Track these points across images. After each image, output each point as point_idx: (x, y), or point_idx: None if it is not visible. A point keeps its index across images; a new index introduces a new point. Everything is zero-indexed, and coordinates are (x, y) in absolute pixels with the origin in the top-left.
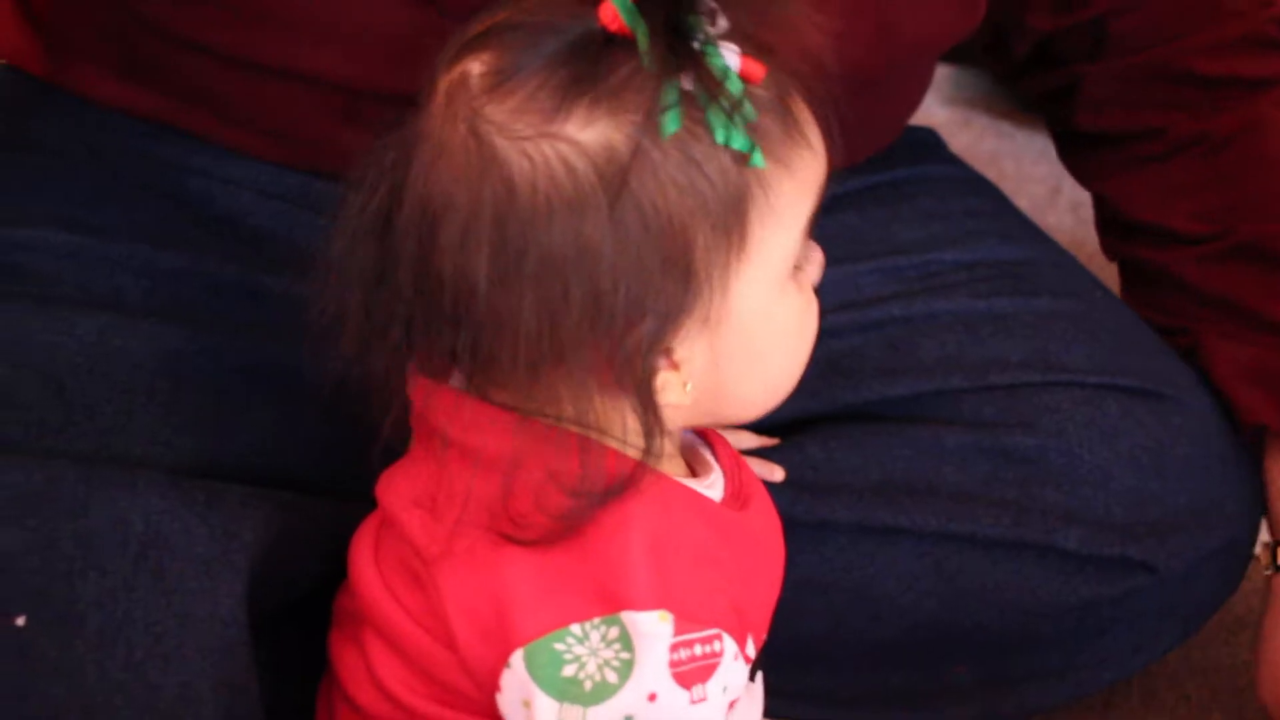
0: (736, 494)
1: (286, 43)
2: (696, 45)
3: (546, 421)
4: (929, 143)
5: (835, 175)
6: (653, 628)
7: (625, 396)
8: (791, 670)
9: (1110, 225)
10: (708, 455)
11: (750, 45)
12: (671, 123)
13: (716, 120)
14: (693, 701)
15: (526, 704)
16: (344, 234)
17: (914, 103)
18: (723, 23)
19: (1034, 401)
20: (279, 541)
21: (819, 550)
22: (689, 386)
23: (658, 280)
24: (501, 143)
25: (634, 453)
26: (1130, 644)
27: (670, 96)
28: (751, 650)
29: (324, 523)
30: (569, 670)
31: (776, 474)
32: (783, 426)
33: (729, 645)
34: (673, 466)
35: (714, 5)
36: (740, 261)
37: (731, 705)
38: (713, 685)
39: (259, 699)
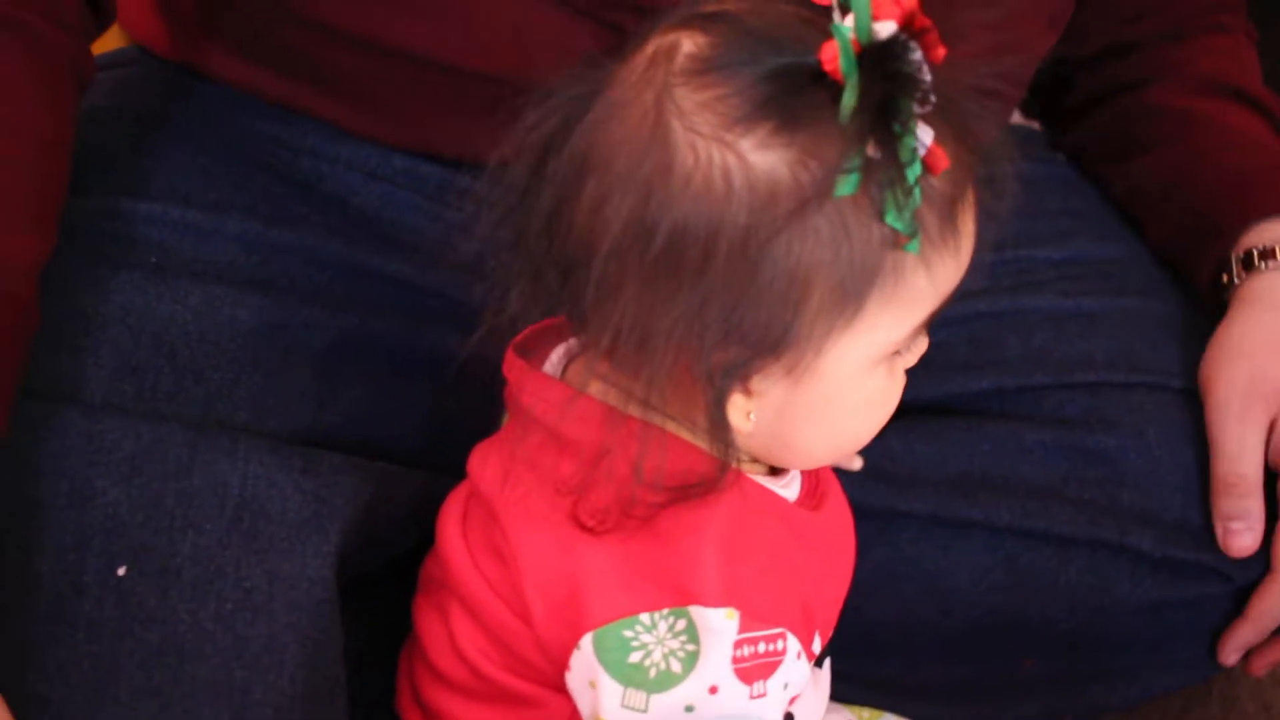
0: (812, 493)
1: (404, 23)
2: (898, 128)
3: (635, 414)
4: (1025, 138)
5: None
6: (720, 624)
7: (696, 406)
8: (862, 658)
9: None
10: None
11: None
12: (846, 186)
13: (890, 199)
14: (752, 696)
15: (592, 685)
16: (501, 156)
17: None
18: (930, 101)
19: (1117, 401)
20: (369, 508)
21: (892, 540)
22: (752, 417)
23: (763, 319)
24: (678, 128)
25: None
26: (1201, 650)
27: (855, 161)
28: (817, 646)
29: (415, 492)
30: (635, 657)
31: (856, 463)
32: None
33: (792, 644)
34: (752, 466)
35: (929, 87)
36: (846, 331)
37: (793, 700)
38: (774, 682)
39: (343, 656)
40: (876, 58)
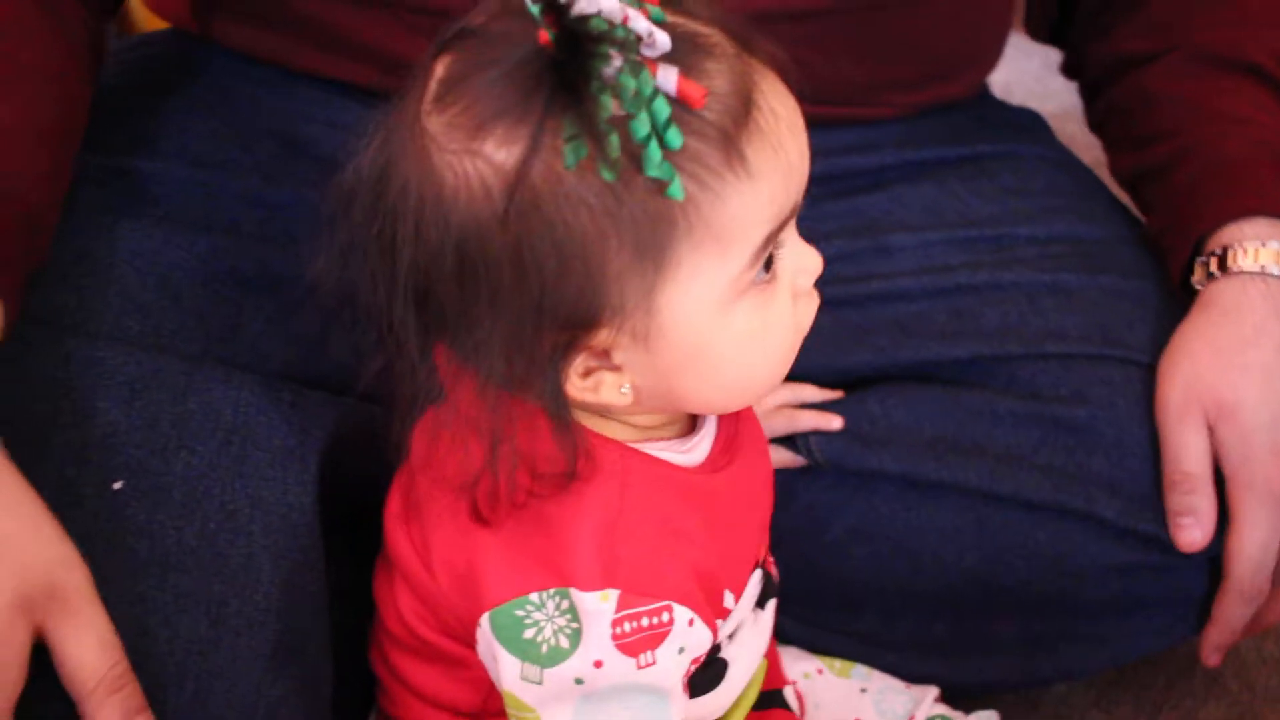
0: (726, 448)
1: None
2: (595, 85)
3: (521, 399)
4: (1025, 124)
5: (919, 139)
6: (595, 605)
7: (531, 397)
8: (840, 612)
9: (1090, 102)
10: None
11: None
12: (569, 158)
13: (609, 152)
14: (640, 667)
15: (495, 659)
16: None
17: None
18: (662, 41)
19: (1088, 373)
20: (351, 442)
21: (868, 500)
22: (626, 389)
23: (568, 299)
24: (435, 153)
25: (615, 431)
26: (1171, 616)
27: (570, 130)
28: (730, 602)
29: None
30: (529, 634)
31: (834, 423)
32: (846, 381)
33: (680, 614)
34: (660, 430)
35: (647, 29)
36: (667, 285)
37: (694, 662)
38: (664, 650)
39: (323, 578)
40: (566, 29)
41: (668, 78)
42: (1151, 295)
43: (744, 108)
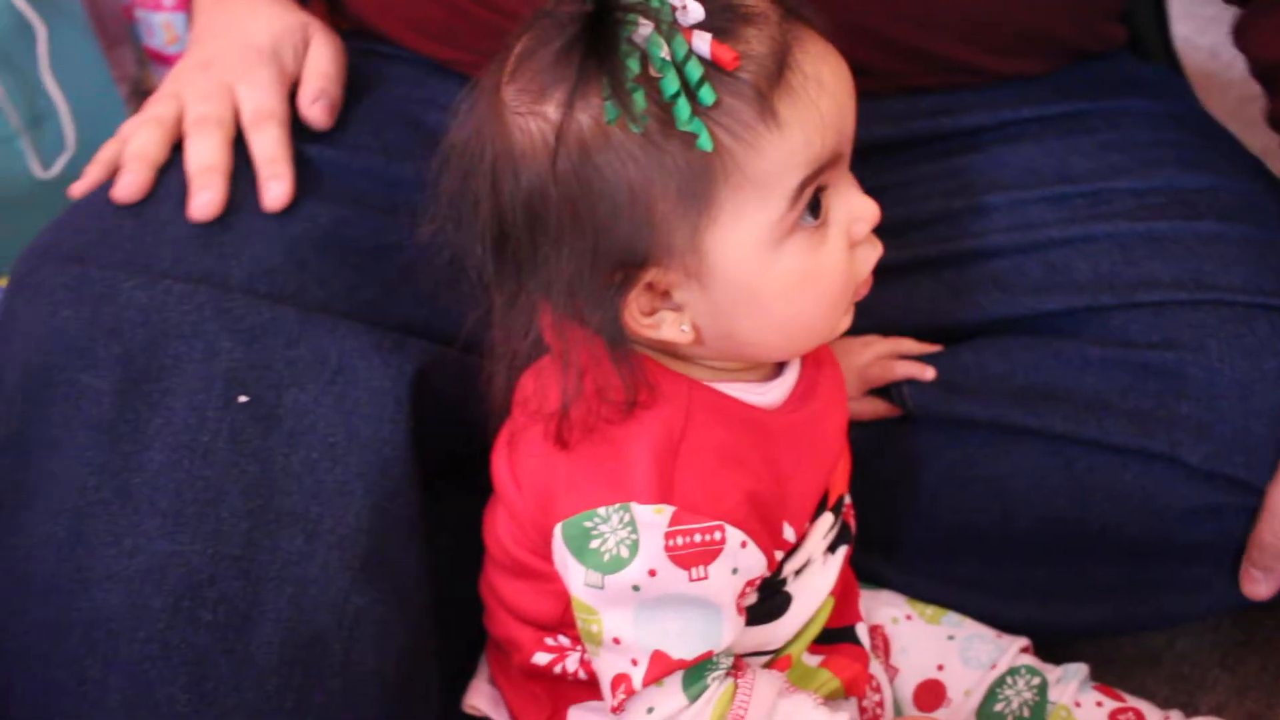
0: (803, 395)
1: None
2: (625, 49)
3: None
4: (1143, 80)
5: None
6: (649, 518)
7: (596, 330)
8: (939, 559)
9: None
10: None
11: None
12: (610, 114)
13: (633, 109)
14: (691, 579)
15: (565, 567)
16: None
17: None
18: (694, 8)
19: (1179, 318)
20: (448, 388)
21: (960, 446)
22: (685, 327)
23: (621, 240)
24: (508, 116)
25: (692, 371)
26: None
27: (606, 90)
28: (790, 535)
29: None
30: (594, 544)
31: (928, 372)
32: (946, 336)
33: (733, 535)
34: (734, 375)
35: (680, 1)
36: (713, 227)
37: (753, 586)
38: (715, 567)
39: (415, 506)
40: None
41: (702, 42)
42: (1254, 239)
43: (778, 69)
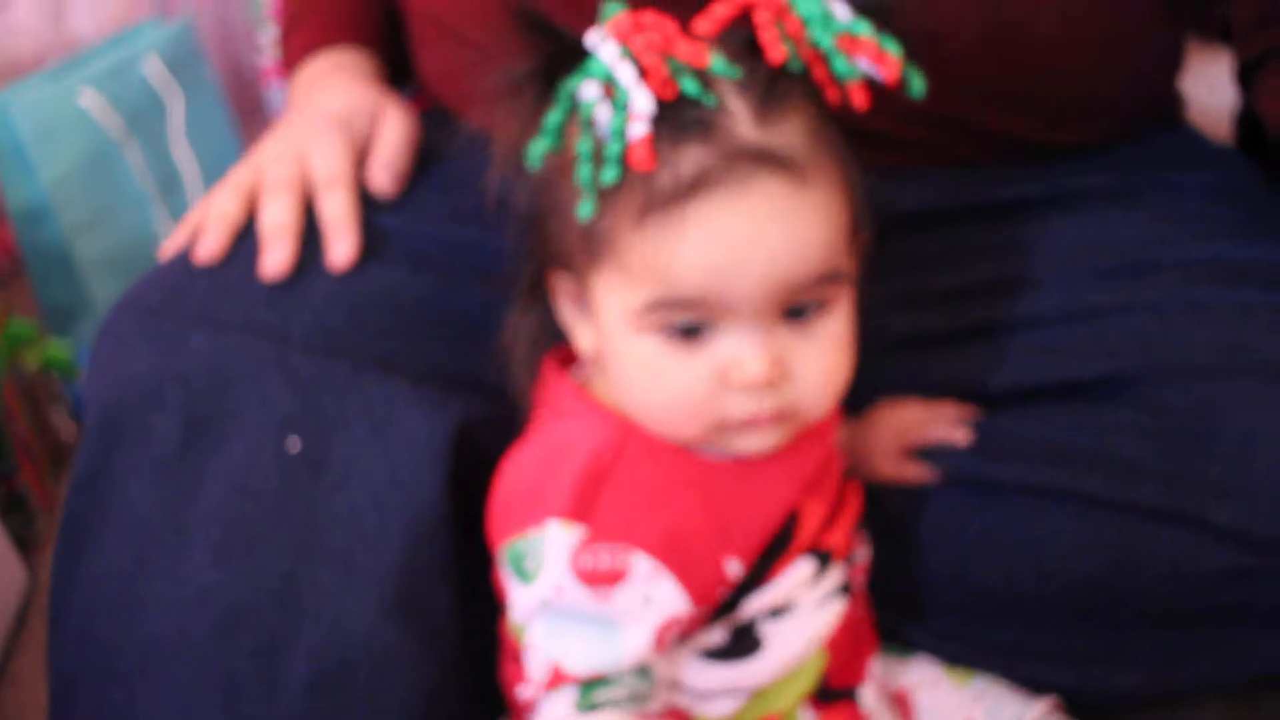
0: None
1: None
2: (582, 94)
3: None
4: (1201, 156)
5: (1072, 171)
6: (559, 536)
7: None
8: (972, 622)
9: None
10: None
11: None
12: (533, 152)
13: (535, 144)
14: (594, 599)
15: (506, 583)
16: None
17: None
18: (642, 105)
19: (1214, 384)
20: (490, 441)
21: (995, 510)
22: (588, 344)
23: (554, 238)
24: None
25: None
26: None
27: (540, 130)
28: (736, 570)
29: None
30: (528, 563)
31: (961, 436)
32: (989, 399)
33: (641, 563)
34: None
35: (632, 88)
36: (595, 273)
37: (683, 623)
38: (620, 593)
39: (448, 550)
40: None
41: (636, 131)
42: None
43: (682, 196)
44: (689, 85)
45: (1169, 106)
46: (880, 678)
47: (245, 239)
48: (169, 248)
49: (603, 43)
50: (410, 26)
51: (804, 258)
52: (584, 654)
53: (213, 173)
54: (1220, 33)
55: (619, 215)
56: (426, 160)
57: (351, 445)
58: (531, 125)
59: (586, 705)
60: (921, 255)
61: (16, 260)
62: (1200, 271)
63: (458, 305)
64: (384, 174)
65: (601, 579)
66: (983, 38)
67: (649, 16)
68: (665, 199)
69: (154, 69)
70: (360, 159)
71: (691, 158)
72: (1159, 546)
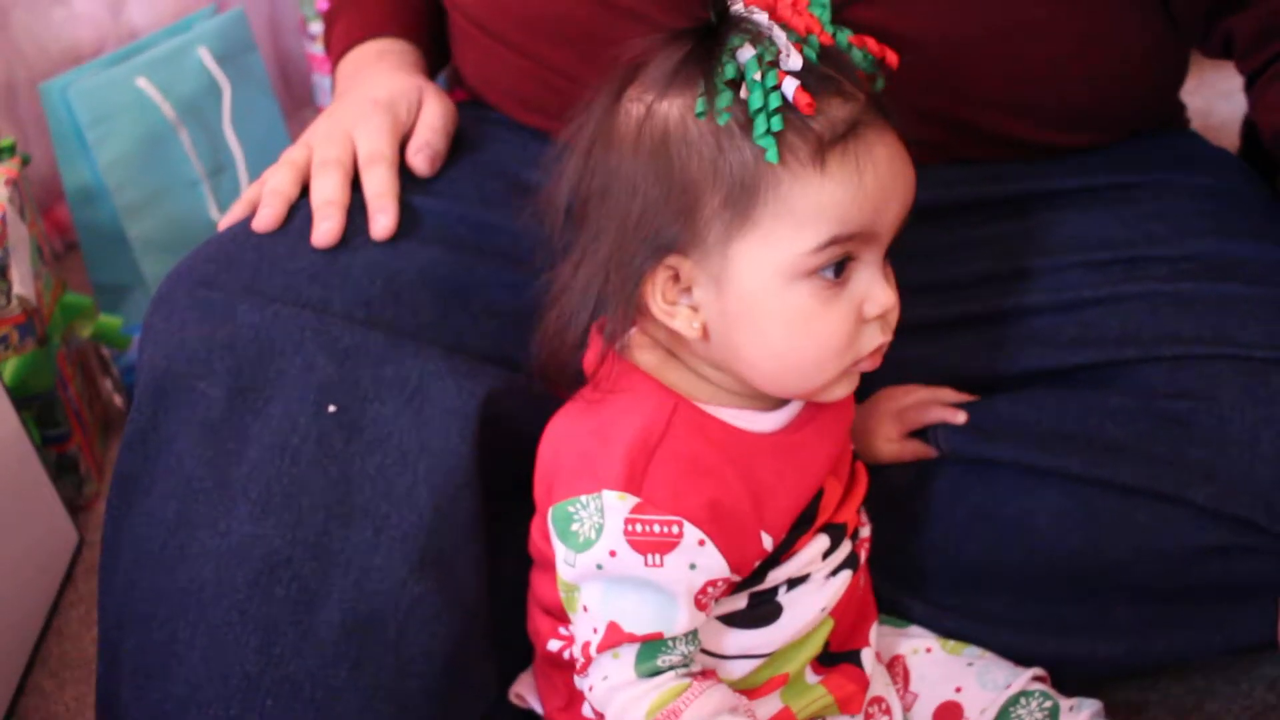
0: (798, 426)
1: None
2: (729, 66)
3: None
4: (1196, 156)
5: (1067, 170)
6: (614, 504)
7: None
8: (964, 594)
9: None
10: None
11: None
12: (700, 106)
13: (718, 104)
14: (647, 565)
15: (554, 546)
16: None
17: (1134, 55)
18: (795, 59)
19: (1196, 370)
20: (515, 411)
21: (987, 486)
22: (696, 324)
23: (668, 218)
24: (621, 103)
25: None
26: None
27: (701, 86)
28: (768, 544)
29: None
30: (574, 526)
31: (959, 417)
32: (984, 384)
33: (691, 532)
34: (723, 397)
35: (785, 45)
36: (744, 240)
37: (720, 586)
38: (671, 558)
39: (475, 512)
40: (720, 15)
41: (790, 84)
42: (1276, 297)
43: (843, 133)
44: (838, 42)
45: (1171, 113)
46: (879, 644)
47: (292, 216)
48: (226, 220)
49: (754, 11)
50: (451, 21)
51: (913, 191)
52: (641, 615)
53: (260, 157)
54: (1224, 48)
55: (789, 161)
56: (460, 146)
57: (385, 411)
58: (609, 114)
59: (648, 670)
60: (922, 247)
61: (71, 238)
62: (1186, 267)
63: (486, 284)
64: (421, 155)
65: (653, 546)
66: (993, 46)
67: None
68: (834, 140)
69: (206, 57)
70: (402, 141)
71: (837, 107)
72: (1140, 523)
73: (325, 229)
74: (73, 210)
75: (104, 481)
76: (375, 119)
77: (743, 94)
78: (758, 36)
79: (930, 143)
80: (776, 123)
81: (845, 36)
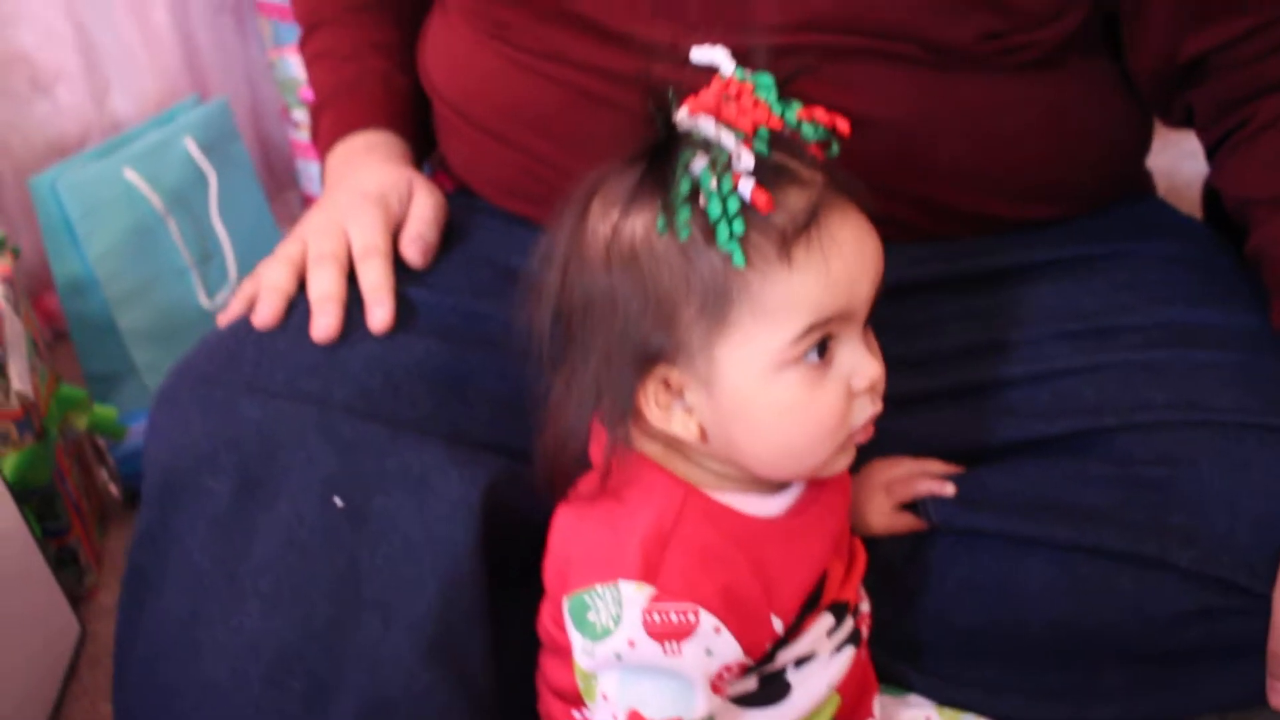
0: (802, 508)
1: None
2: (682, 177)
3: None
4: (1159, 224)
5: (1037, 243)
6: (631, 594)
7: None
8: (959, 662)
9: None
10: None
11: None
12: (660, 224)
13: (678, 220)
14: (665, 653)
15: (570, 634)
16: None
17: (1096, 124)
18: (747, 159)
19: (1173, 437)
20: (516, 499)
21: (976, 556)
22: (692, 426)
23: (649, 330)
24: (586, 220)
25: (694, 475)
26: (1262, 665)
27: (659, 203)
28: (779, 626)
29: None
30: (590, 616)
31: (947, 489)
32: (966, 455)
33: (706, 619)
34: (728, 484)
35: (735, 149)
36: (725, 342)
37: (734, 670)
38: (688, 646)
39: (482, 600)
40: (668, 132)
41: (746, 186)
42: (1247, 366)
43: (804, 223)
44: (787, 121)
45: (1137, 182)
46: (880, 714)
47: (290, 311)
48: (225, 317)
49: (699, 120)
50: (436, 112)
51: (882, 263)
52: (660, 702)
53: (247, 243)
54: (1185, 119)
55: (755, 261)
56: (449, 236)
57: (390, 502)
58: (578, 227)
59: None
60: (900, 323)
61: (60, 326)
62: (1157, 335)
63: (481, 373)
64: (414, 247)
65: (670, 634)
66: (959, 123)
67: (714, 89)
68: (797, 232)
69: (192, 147)
70: (394, 233)
71: (795, 197)
72: (1125, 589)
73: (324, 324)
74: (63, 301)
75: (104, 572)
76: (368, 212)
77: (702, 203)
78: (707, 144)
79: (901, 221)
80: (739, 226)
81: (794, 113)
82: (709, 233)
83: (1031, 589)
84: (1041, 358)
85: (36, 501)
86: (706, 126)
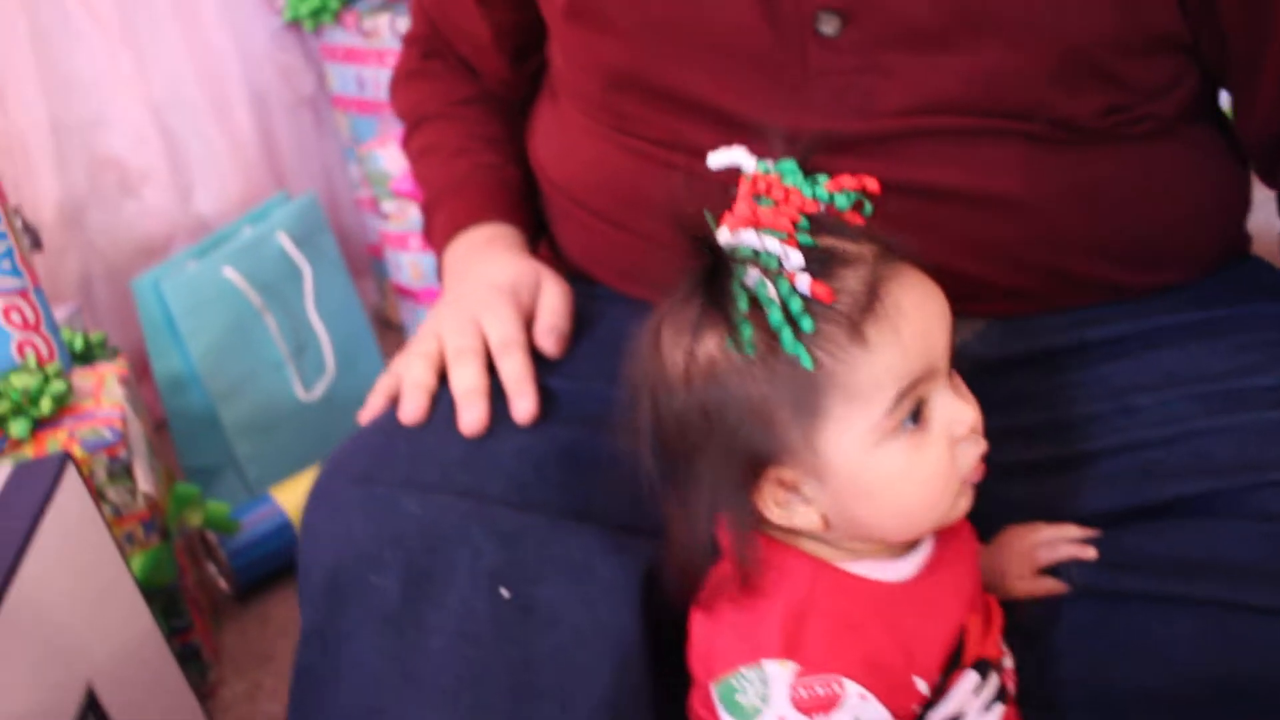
0: (932, 566)
1: None
2: (738, 294)
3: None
4: (1260, 281)
5: (1157, 310)
6: (776, 672)
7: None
8: None
9: None
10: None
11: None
12: (730, 344)
13: (741, 338)
14: None
15: (718, 714)
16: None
17: (1188, 197)
18: (795, 257)
19: None
20: (666, 577)
21: (1123, 617)
22: (814, 517)
23: (751, 439)
24: (662, 350)
25: (822, 551)
26: None
27: (732, 327)
28: (923, 688)
29: None
30: (739, 697)
31: (1089, 552)
32: (1102, 519)
33: (851, 688)
34: (857, 554)
35: (780, 252)
36: (825, 431)
37: None
38: (838, 716)
39: (647, 680)
40: (712, 257)
41: (803, 282)
42: None
43: (868, 301)
44: (819, 198)
45: (1240, 243)
46: None
47: (433, 405)
48: (367, 414)
49: (741, 234)
50: (550, 201)
51: (949, 310)
52: None
53: (340, 333)
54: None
55: (831, 351)
56: (579, 325)
57: (555, 592)
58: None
59: None
60: (1030, 392)
61: (160, 423)
62: None
63: (625, 460)
64: (550, 338)
65: (819, 706)
66: (1081, 199)
67: (744, 192)
68: (863, 311)
69: (286, 242)
70: (527, 324)
71: (850, 278)
72: (1277, 643)
73: (472, 418)
74: (163, 397)
75: (223, 667)
76: (501, 305)
77: (745, 309)
78: (755, 254)
79: (1034, 293)
80: (807, 324)
81: (823, 189)
82: (776, 339)
83: (1183, 649)
84: (1174, 420)
85: (163, 600)
86: (749, 238)
